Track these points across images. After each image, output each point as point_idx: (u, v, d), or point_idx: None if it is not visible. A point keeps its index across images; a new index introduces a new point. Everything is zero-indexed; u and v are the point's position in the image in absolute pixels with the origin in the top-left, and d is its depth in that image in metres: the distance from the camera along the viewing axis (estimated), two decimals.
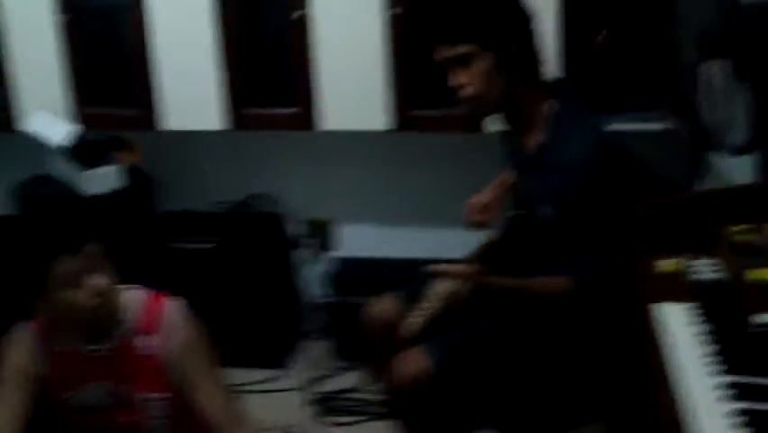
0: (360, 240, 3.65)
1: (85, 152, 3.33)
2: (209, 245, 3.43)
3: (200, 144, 3.65)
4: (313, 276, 3.76)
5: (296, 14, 3.12)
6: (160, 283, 3.31)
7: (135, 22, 3.29)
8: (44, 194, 3.49)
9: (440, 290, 2.04)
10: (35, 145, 3.41)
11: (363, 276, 3.42)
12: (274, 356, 3.48)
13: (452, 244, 2.69)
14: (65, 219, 2.12)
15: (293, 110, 3.25)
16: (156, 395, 2.15)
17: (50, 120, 3.37)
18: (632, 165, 2.14)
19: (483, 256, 2.27)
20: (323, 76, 3.18)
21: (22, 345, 2.19)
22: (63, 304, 2.05)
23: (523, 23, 2.12)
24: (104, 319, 2.12)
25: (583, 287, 2.05)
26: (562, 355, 2.18)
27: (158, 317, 2.19)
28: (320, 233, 3.70)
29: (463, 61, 2.08)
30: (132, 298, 2.21)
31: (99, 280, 2.05)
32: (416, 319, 2.05)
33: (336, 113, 3.20)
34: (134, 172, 3.48)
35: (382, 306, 2.41)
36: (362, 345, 2.49)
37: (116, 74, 3.46)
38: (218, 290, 3.39)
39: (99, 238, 2.09)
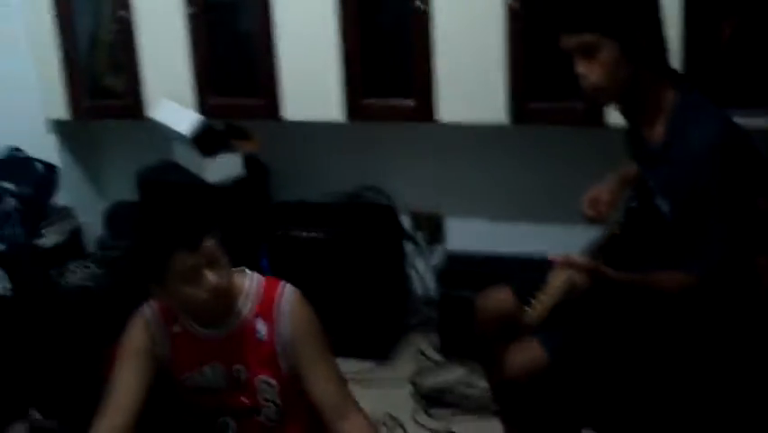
0: (470, 234, 3.64)
1: (207, 140, 3.44)
2: (322, 235, 3.48)
3: (317, 134, 3.71)
4: (422, 269, 3.78)
5: (416, 6, 3.14)
6: (274, 270, 3.40)
7: (259, 14, 3.37)
8: (168, 180, 3.63)
9: (559, 281, 2.00)
10: (160, 133, 3.55)
11: (472, 271, 3.41)
12: (380, 348, 3.52)
13: (566, 240, 2.65)
14: (186, 213, 2.18)
15: (411, 102, 3.27)
16: (270, 379, 2.18)
17: (175, 109, 3.50)
18: (758, 160, 2.07)
19: (601, 250, 2.22)
20: (441, 67, 3.19)
21: (143, 325, 2.27)
22: (181, 297, 2.11)
23: (648, 10, 2.07)
24: (219, 310, 2.18)
25: (705, 282, 2.00)
26: (678, 354, 2.13)
27: (273, 303, 2.22)
28: (430, 226, 3.71)
29: (587, 50, 2.04)
30: (249, 283, 2.25)
31: (217, 278, 2.10)
32: (533, 310, 2.02)
33: (454, 105, 3.21)
34: (252, 161, 3.58)
35: (497, 296, 2.40)
36: (474, 335, 2.48)
37: (240, 65, 3.57)
38: (329, 279, 3.45)
39: (219, 231, 2.14)
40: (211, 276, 2.07)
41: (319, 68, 3.33)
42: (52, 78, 3.82)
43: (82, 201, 4.09)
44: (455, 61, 3.16)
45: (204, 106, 3.55)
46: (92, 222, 4.08)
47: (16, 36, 3.84)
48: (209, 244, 2.09)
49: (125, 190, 3.97)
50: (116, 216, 4.04)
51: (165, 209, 2.34)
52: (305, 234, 3.50)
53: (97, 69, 3.86)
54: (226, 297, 2.15)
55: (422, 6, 3.13)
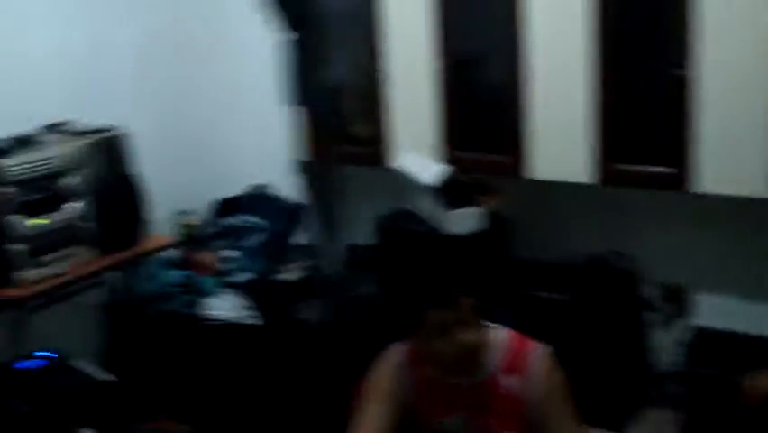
0: (720, 311, 3.55)
1: (450, 192, 3.58)
2: (561, 296, 3.51)
3: (562, 195, 3.75)
4: (664, 342, 3.70)
5: (677, 73, 3.16)
6: (512, 327, 3.46)
7: (511, 70, 3.49)
8: (406, 228, 3.79)
9: None
10: (401, 182, 3.73)
11: (721, 349, 3.32)
12: (616, 418, 3.47)
13: None
14: (443, 271, 2.31)
15: (665, 169, 3.27)
16: None
17: (420, 159, 3.67)
18: None
19: None
20: (701, 136, 3.18)
21: (392, 367, 2.40)
22: (431, 349, 2.23)
23: None
24: (468, 364, 2.27)
25: None
26: None
27: (523, 359, 2.30)
28: (676, 298, 3.65)
29: None
30: (498, 338, 2.34)
31: (469, 336, 2.20)
32: None
33: (714, 175, 3.18)
34: (494, 216, 3.68)
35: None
36: (730, 416, 2.44)
37: (488, 120, 3.70)
38: (564, 341, 3.45)
39: (473, 289, 2.24)
40: (463, 333, 2.18)
41: (570, 128, 3.40)
42: (301, 122, 4.11)
43: (320, 240, 4.33)
44: (718, 131, 3.14)
45: (448, 160, 3.70)
46: (328, 261, 4.31)
47: (270, 83, 4.17)
48: (464, 301, 2.20)
49: (360, 234, 4.19)
50: (354, 259, 4.25)
51: (422, 264, 2.47)
52: (542, 293, 3.55)
53: (345, 116, 4.12)
54: (476, 351, 2.25)
55: (683, 72, 3.14)
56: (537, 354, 2.32)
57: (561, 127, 3.43)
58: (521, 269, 3.74)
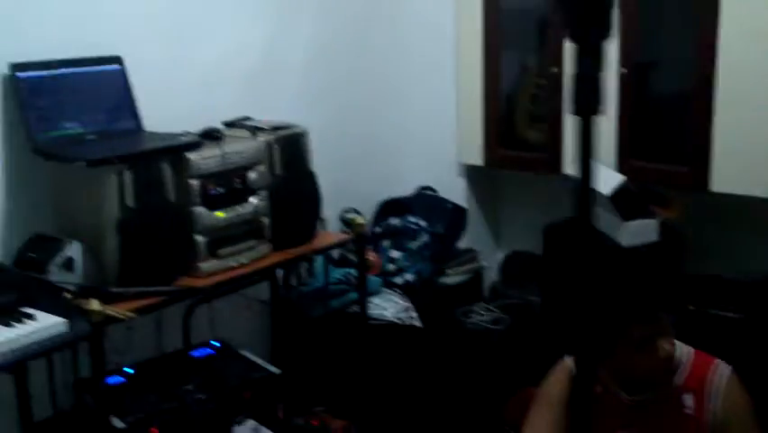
0: None
1: (627, 202, 3.59)
2: (736, 315, 3.47)
3: (742, 208, 3.70)
4: None
5: None
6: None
7: (695, 75, 3.47)
8: (576, 238, 3.81)
9: None
10: (572, 189, 3.75)
11: None
12: None
13: None
14: (645, 284, 2.35)
15: None
16: None
17: (596, 168, 3.68)
18: None
19: None
20: None
21: (565, 378, 2.46)
22: (628, 364, 2.28)
23: None
24: (657, 380, 2.32)
25: None
26: None
27: (705, 378, 2.32)
28: None
29: None
30: (682, 355, 2.37)
31: (667, 349, 2.25)
32: None
33: None
34: (669, 229, 3.67)
35: None
36: None
37: (670, 130, 3.70)
38: (739, 362, 3.41)
39: (669, 305, 2.29)
40: (662, 347, 2.23)
41: (759, 140, 3.35)
42: (471, 125, 4.22)
43: (481, 245, 4.45)
44: None
45: (624, 169, 3.72)
46: (489, 266, 4.41)
47: (440, 86, 4.31)
48: (663, 316, 2.25)
49: (522, 240, 4.25)
50: (517, 265, 4.33)
51: (615, 277, 2.51)
52: (716, 310, 3.52)
53: (516, 121, 4.20)
54: (667, 368, 2.30)
55: None
56: (720, 372, 2.35)
57: (749, 137, 3.38)
58: (694, 284, 3.72)
